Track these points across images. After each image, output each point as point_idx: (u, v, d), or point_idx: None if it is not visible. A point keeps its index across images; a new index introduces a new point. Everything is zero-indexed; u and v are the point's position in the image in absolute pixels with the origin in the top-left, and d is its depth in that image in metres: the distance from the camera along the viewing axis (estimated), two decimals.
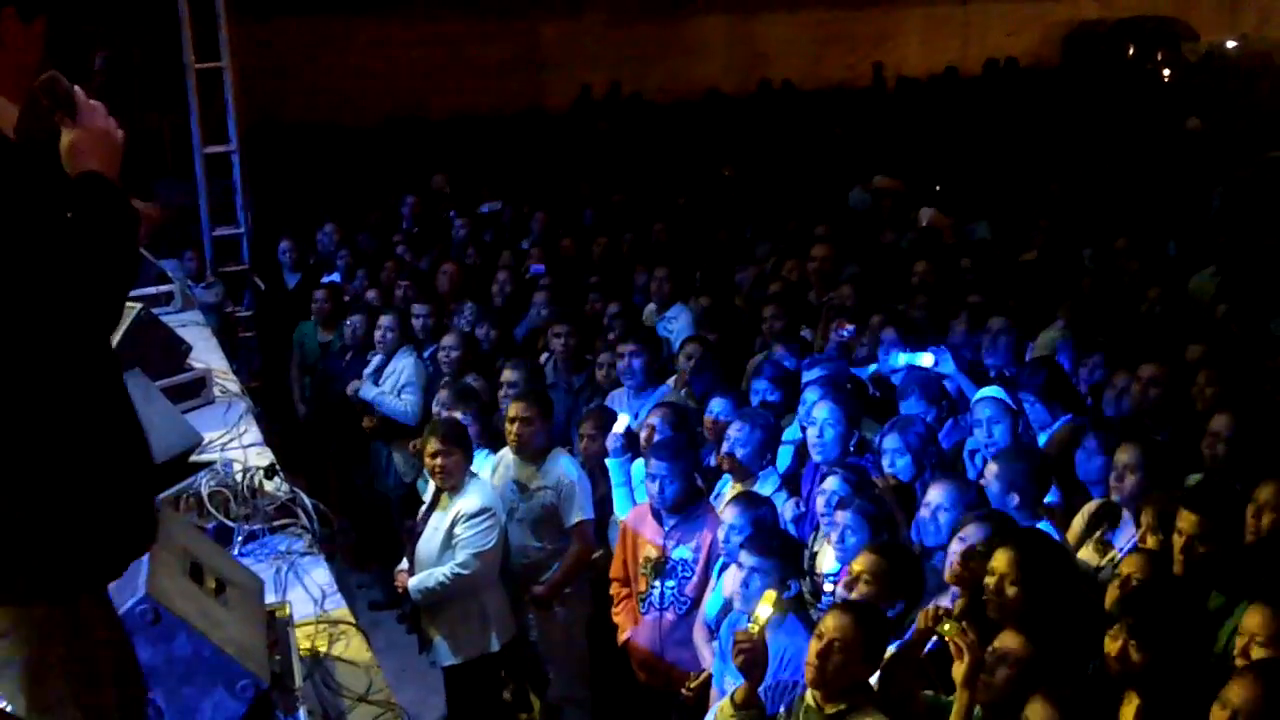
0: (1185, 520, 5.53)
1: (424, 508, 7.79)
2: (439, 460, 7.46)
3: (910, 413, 7.54)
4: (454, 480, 7.52)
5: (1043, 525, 6.24)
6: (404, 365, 9.92)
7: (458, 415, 8.09)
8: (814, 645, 4.96)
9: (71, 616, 3.56)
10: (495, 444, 8.29)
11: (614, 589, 7.48)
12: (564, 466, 7.86)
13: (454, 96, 24.07)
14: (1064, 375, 8.01)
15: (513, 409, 7.89)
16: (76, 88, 3.52)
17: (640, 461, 7.65)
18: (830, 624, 4.95)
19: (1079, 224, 12.34)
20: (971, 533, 5.77)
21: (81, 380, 3.45)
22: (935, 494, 6.31)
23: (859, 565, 5.77)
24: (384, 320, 10.14)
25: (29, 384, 3.32)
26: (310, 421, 11.32)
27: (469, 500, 7.48)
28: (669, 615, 7.05)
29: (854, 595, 5.62)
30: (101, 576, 3.65)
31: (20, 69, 3.47)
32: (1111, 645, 4.82)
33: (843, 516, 6.29)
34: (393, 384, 9.86)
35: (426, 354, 10.03)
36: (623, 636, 7.36)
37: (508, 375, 8.73)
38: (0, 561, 3.39)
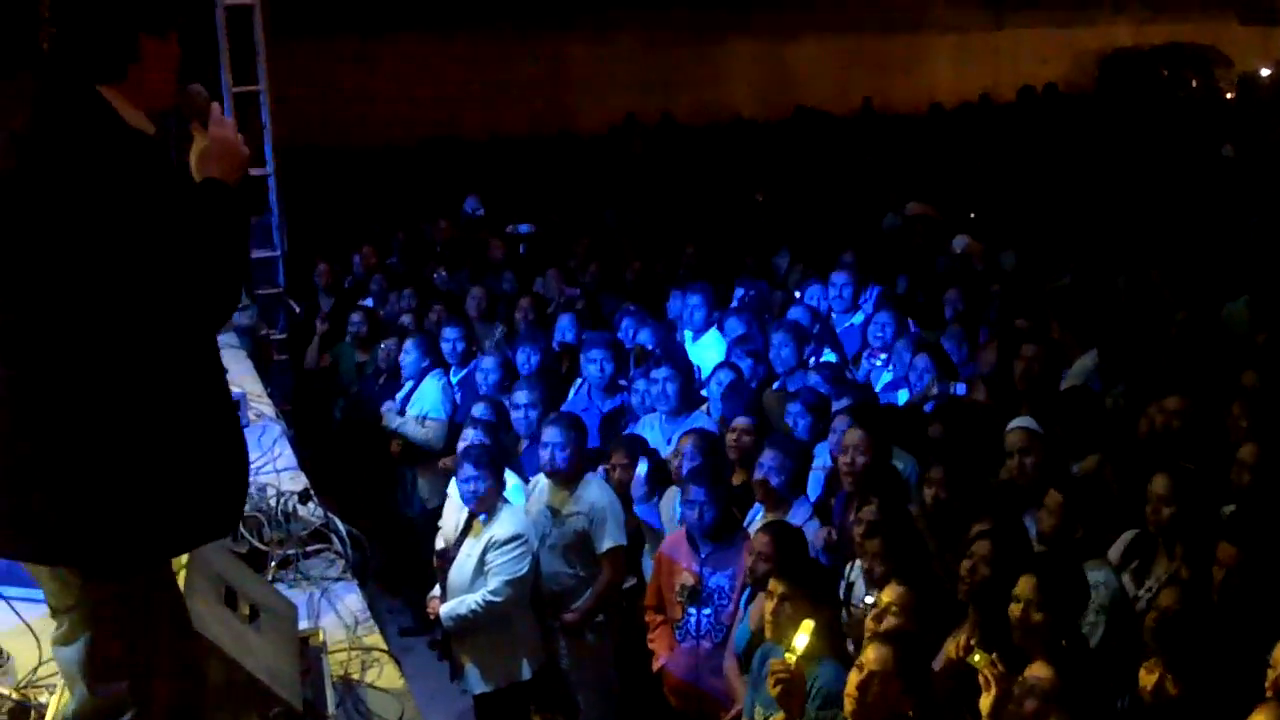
0: (1224, 552, 5.52)
1: (455, 532, 7.79)
2: (471, 486, 7.47)
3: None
4: (486, 506, 7.52)
5: (1098, 576, 6.14)
6: (430, 389, 9.92)
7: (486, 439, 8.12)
8: (853, 677, 4.95)
9: (138, 599, 3.72)
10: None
11: (648, 616, 7.45)
12: (596, 492, 7.85)
13: (486, 118, 24.13)
14: (1096, 404, 7.98)
15: (547, 434, 7.88)
16: (214, 102, 3.94)
17: (671, 491, 7.67)
18: (870, 656, 4.94)
19: (1113, 251, 12.28)
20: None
21: (187, 367, 3.69)
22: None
23: (887, 596, 5.75)
24: (409, 344, 10.17)
25: (136, 365, 3.55)
26: (344, 444, 11.32)
27: (501, 527, 7.49)
28: (705, 643, 7.03)
29: (883, 627, 5.60)
30: (168, 553, 3.88)
31: (162, 80, 3.74)
32: (1147, 678, 4.79)
33: (874, 545, 6.28)
34: (419, 408, 9.86)
35: (461, 376, 10.03)
36: (657, 664, 7.33)
37: (520, 397, 8.76)
38: (87, 534, 3.56)
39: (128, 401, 3.55)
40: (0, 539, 3.67)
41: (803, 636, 5.25)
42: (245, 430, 7.37)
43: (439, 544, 8.05)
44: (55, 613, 3.83)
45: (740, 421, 7.97)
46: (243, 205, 3.83)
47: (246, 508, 5.89)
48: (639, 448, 8.19)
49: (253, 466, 6.81)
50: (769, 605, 5.98)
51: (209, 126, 3.88)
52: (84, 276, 3.44)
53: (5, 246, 3.48)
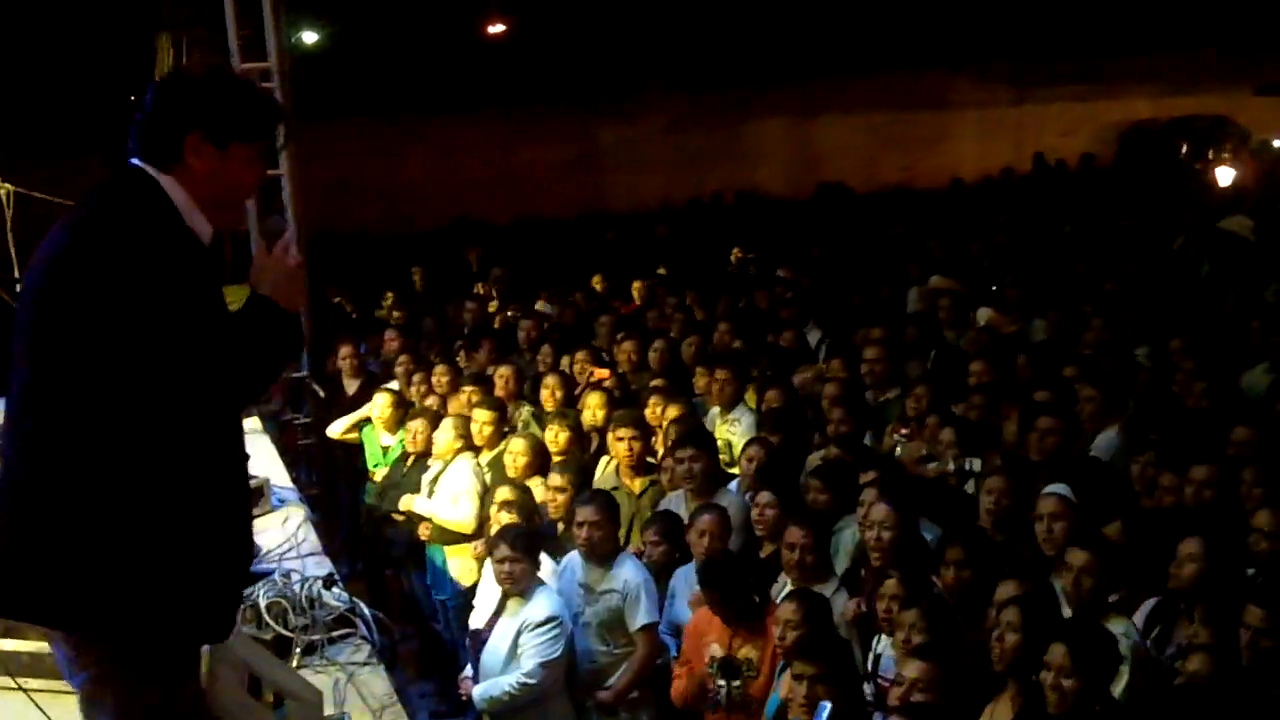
0: (1251, 615, 5.55)
1: (489, 614, 7.77)
2: (506, 567, 7.47)
3: None
4: (521, 587, 7.51)
5: (1120, 628, 6.18)
6: (460, 471, 9.90)
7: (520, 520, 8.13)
8: None
9: (158, 671, 3.85)
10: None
11: (677, 691, 7.40)
12: (630, 569, 7.84)
13: (514, 201, 24.32)
14: (1115, 475, 8.02)
15: (584, 512, 7.88)
16: (290, 234, 4.29)
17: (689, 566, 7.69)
18: None
19: (1134, 322, 12.27)
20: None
21: (198, 451, 3.82)
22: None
23: (913, 672, 5.74)
24: (444, 423, 10.18)
25: (147, 443, 3.70)
26: (370, 527, 11.31)
27: (536, 608, 7.48)
28: (737, 715, 6.99)
29: (911, 700, 5.59)
30: (195, 638, 4.02)
31: (218, 189, 3.96)
32: None
33: (907, 617, 6.26)
34: (448, 489, 9.85)
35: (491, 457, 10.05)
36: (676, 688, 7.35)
37: (554, 480, 8.79)
38: (105, 606, 3.73)
39: (133, 475, 3.70)
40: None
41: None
42: (269, 516, 7.53)
43: (472, 624, 8.03)
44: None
45: (764, 496, 7.96)
46: (281, 328, 3.97)
47: (271, 593, 5.93)
48: (674, 524, 8.18)
49: (276, 552, 6.86)
50: (798, 688, 5.97)
51: (275, 250, 4.10)
52: (109, 359, 3.61)
53: (47, 319, 3.70)
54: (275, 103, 4.22)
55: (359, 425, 11.62)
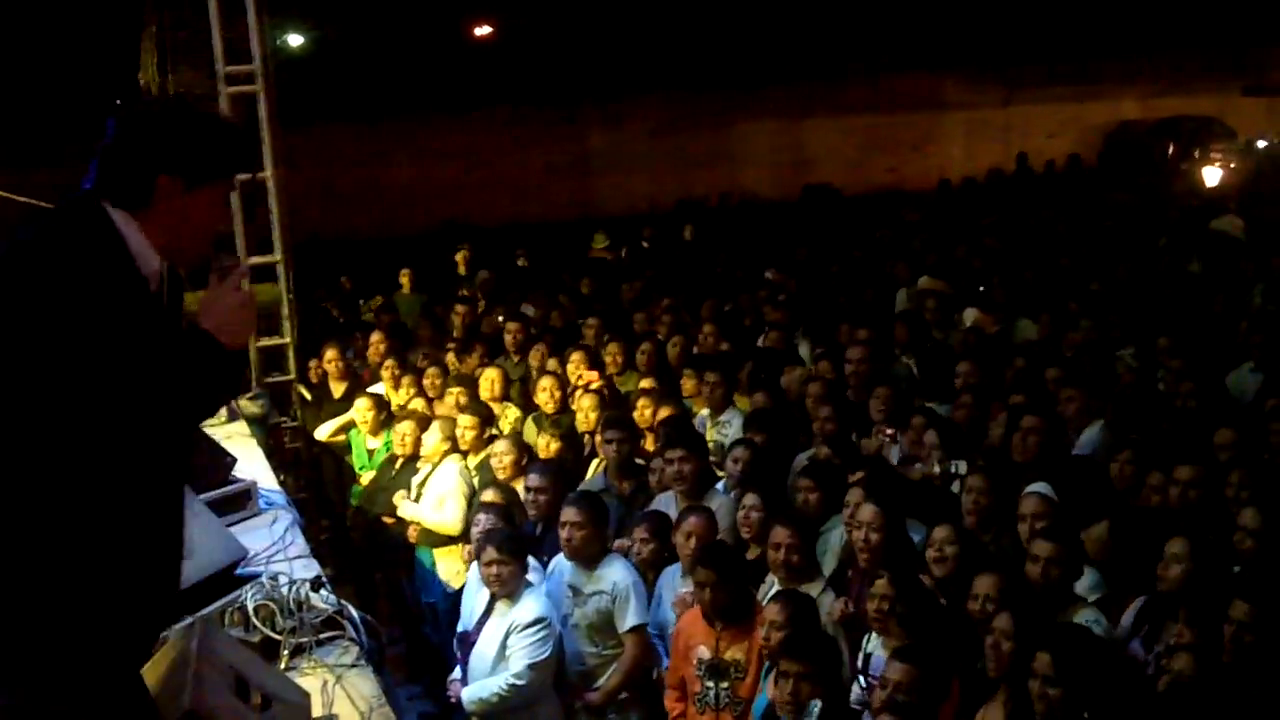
0: (1237, 609, 5.62)
1: (477, 617, 7.76)
2: (494, 570, 7.46)
3: None
4: (509, 589, 7.51)
5: (1088, 616, 6.24)
6: (447, 474, 9.91)
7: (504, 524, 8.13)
8: None
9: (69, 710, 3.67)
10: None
11: (669, 703, 7.42)
12: (619, 571, 7.85)
13: (501, 203, 24.33)
14: (1102, 474, 8.05)
15: (566, 514, 7.88)
16: (242, 269, 4.08)
17: (677, 567, 7.68)
18: None
19: (1120, 322, 12.29)
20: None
21: (121, 498, 3.67)
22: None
23: (894, 674, 5.77)
24: (432, 426, 10.18)
25: (70, 489, 3.55)
26: (358, 531, 11.31)
27: (524, 610, 7.48)
28: (726, 716, 7.02)
29: (894, 702, 5.62)
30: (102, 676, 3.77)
31: (183, 233, 3.84)
32: None
33: (891, 620, 6.29)
34: (435, 492, 9.84)
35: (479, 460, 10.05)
36: None
37: (533, 481, 8.76)
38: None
39: (46, 513, 3.56)
40: None
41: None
42: (256, 519, 7.51)
43: (460, 627, 8.04)
44: None
45: (750, 499, 7.97)
46: (218, 364, 3.83)
47: (259, 596, 5.91)
48: (663, 524, 8.18)
49: (264, 555, 6.85)
50: (784, 685, 5.98)
51: (224, 284, 3.95)
52: (23, 395, 3.50)
53: None
54: (245, 134, 4.17)
55: (346, 428, 11.63)
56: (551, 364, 11.97)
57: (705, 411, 10.48)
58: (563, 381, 11.28)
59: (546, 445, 9.98)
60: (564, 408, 10.83)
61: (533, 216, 24.17)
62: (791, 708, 5.90)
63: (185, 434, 3.79)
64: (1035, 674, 5.45)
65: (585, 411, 10.37)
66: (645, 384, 11.18)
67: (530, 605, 7.52)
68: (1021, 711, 5.59)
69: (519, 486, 9.14)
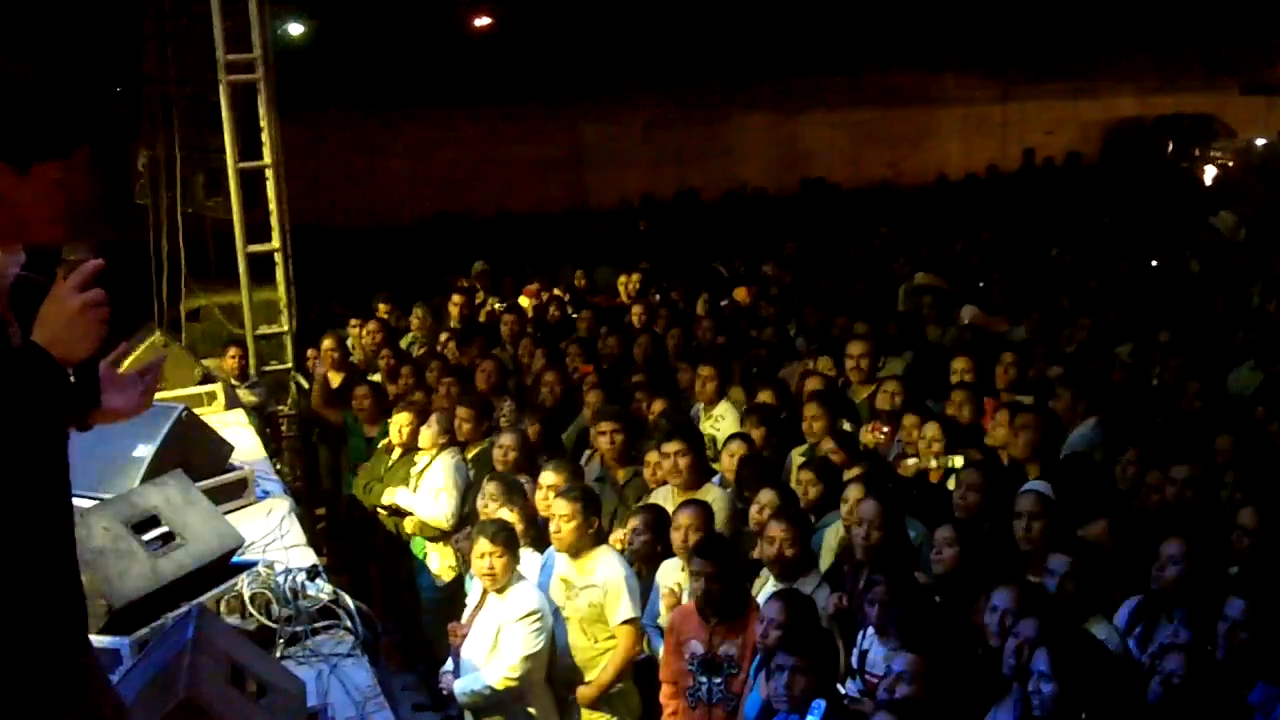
0: (1232, 607, 5.63)
1: (469, 609, 7.76)
2: (487, 562, 7.45)
3: None
4: (501, 582, 7.50)
5: (1101, 626, 6.20)
6: (443, 466, 9.91)
7: (503, 513, 8.10)
8: None
9: None
10: (539, 544, 8.28)
11: (663, 697, 7.41)
12: (610, 564, 7.83)
13: (497, 196, 24.31)
14: (1098, 472, 8.05)
15: (558, 506, 7.87)
16: (88, 266, 3.30)
17: (671, 561, 7.67)
18: None
19: (1118, 320, 12.30)
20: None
21: None
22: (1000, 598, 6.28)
23: (899, 666, 5.74)
24: (431, 419, 10.18)
25: None
26: (354, 520, 11.30)
27: (517, 602, 7.47)
28: (718, 711, 7.00)
29: (896, 695, 5.60)
30: None
31: (12, 221, 3.22)
32: None
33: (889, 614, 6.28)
34: (430, 484, 9.85)
35: (476, 452, 10.04)
36: None
37: (547, 477, 8.68)
38: None
39: None
40: None
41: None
42: (253, 507, 7.50)
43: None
44: None
45: (765, 495, 7.93)
46: (54, 375, 3.20)
47: (255, 584, 5.91)
48: (658, 517, 8.16)
49: (260, 543, 6.85)
50: (778, 678, 5.97)
51: (63, 289, 3.27)
52: None
53: None
54: (82, 92, 3.32)
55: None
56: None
57: (700, 405, 10.49)
58: (566, 376, 11.27)
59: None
60: (567, 401, 10.81)
61: (527, 208, 24.13)
62: (786, 701, 5.89)
63: (31, 458, 3.08)
64: (1031, 671, 5.45)
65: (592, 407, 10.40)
66: (639, 378, 11.16)
67: (523, 597, 7.51)
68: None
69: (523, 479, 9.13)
